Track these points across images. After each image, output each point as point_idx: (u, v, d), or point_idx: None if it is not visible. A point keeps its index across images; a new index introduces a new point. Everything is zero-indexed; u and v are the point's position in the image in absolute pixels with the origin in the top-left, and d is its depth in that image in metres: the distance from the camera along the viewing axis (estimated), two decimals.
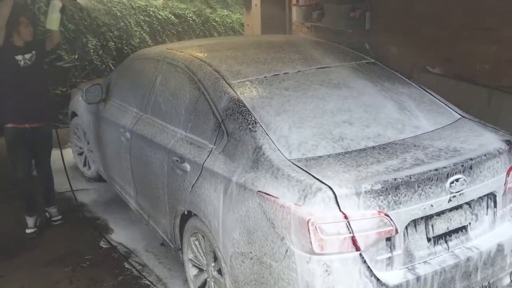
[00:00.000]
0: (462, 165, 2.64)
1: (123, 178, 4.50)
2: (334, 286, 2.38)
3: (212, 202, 2.94)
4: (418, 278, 2.52)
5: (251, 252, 2.66)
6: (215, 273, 3.13)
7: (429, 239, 2.65)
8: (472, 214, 2.79)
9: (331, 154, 2.72)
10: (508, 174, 2.87)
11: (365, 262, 2.42)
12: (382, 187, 2.44)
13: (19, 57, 4.29)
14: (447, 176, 2.59)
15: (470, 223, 2.79)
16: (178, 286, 3.70)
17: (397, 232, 2.49)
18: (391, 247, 2.50)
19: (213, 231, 2.94)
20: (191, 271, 3.43)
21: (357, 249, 2.40)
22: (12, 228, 4.67)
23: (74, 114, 5.95)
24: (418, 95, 3.45)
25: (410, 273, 2.53)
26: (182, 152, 3.33)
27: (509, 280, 3.03)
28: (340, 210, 2.39)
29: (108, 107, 4.79)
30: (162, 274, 3.90)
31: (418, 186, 2.51)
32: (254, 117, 2.94)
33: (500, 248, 2.80)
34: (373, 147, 2.81)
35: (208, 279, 3.25)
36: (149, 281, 3.80)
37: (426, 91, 3.55)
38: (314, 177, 2.50)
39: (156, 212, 3.86)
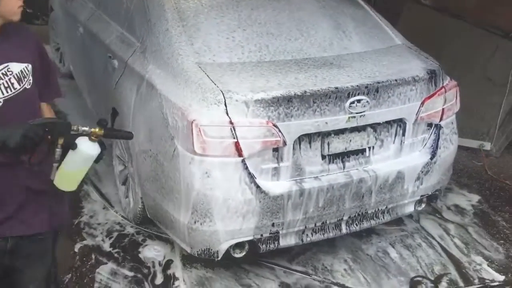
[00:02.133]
0: (367, 87, 2.59)
1: (81, 75, 4.54)
2: (212, 188, 2.45)
3: (127, 100, 2.98)
4: (302, 191, 2.57)
5: (150, 150, 2.73)
6: (131, 170, 3.23)
7: (323, 157, 2.67)
8: (376, 138, 2.78)
9: (243, 62, 2.70)
10: (423, 103, 2.82)
11: (246, 168, 2.47)
12: (274, 98, 2.43)
13: None
14: (348, 96, 2.56)
15: (373, 147, 2.79)
16: (111, 181, 3.84)
17: (286, 144, 2.50)
18: (278, 158, 2.53)
19: (127, 128, 3.00)
20: (118, 168, 3.54)
21: (240, 155, 2.44)
22: None
23: (52, 9, 5.91)
24: (363, 17, 3.33)
25: (296, 185, 2.58)
26: (114, 48, 3.33)
27: (412, 209, 3.08)
28: (228, 115, 2.40)
29: (74, 1, 4.74)
30: (100, 170, 4.03)
31: (314, 102, 2.50)
32: (177, 18, 2.89)
33: (400, 176, 2.82)
34: (289, 60, 2.77)
35: (128, 175, 3.36)
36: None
37: (375, 14, 3.42)
38: (212, 81, 2.50)
39: (99, 110, 3.93)
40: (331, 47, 2.94)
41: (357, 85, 2.57)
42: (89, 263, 3.03)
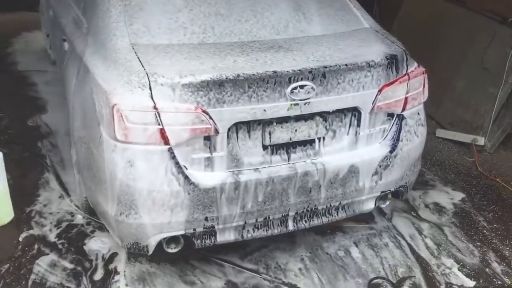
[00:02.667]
0: (311, 72, 2.37)
1: (57, 60, 4.45)
2: (135, 179, 2.27)
3: (69, 85, 2.84)
4: (237, 184, 2.37)
5: (85, 137, 2.57)
6: None
7: (265, 147, 2.46)
8: (327, 128, 2.56)
9: (182, 44, 2.51)
10: (380, 91, 2.57)
11: (174, 158, 2.28)
12: (203, 82, 2.23)
13: None
14: (290, 81, 2.34)
15: (323, 138, 2.56)
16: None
17: (218, 133, 2.31)
18: (211, 148, 2.34)
19: (69, 114, 2.86)
20: (74, 157, 3.40)
21: (166, 143, 2.26)
22: None
23: None
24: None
25: (232, 178, 2.38)
26: (67, 31, 3.19)
27: (373, 205, 2.84)
28: (152, 100, 2.22)
29: None
30: (66, 156, 3.91)
31: (249, 87, 2.29)
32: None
33: (353, 170, 2.59)
34: (234, 43, 2.56)
35: None
36: (50, 161, 3.84)
37: None
38: (140, 63, 2.32)
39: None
40: (285, 29, 2.72)
41: (300, 70, 2.35)
42: (30, 254, 2.90)
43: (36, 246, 2.96)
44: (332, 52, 2.54)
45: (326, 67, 2.40)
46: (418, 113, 2.79)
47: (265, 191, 2.43)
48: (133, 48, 2.43)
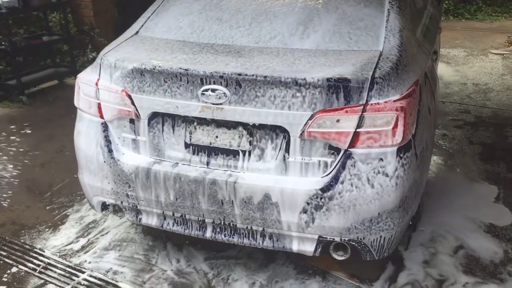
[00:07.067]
0: (222, 77, 2.27)
1: None
2: (79, 143, 2.70)
3: None
4: (148, 172, 2.49)
5: None
6: None
7: (187, 145, 2.49)
8: (251, 143, 2.38)
9: (166, 39, 2.76)
10: (313, 116, 2.22)
11: (105, 131, 2.58)
12: (130, 70, 2.46)
13: None
14: (202, 83, 2.32)
15: (249, 153, 2.39)
16: None
17: (139, 117, 2.49)
18: (135, 131, 2.54)
19: None
20: None
21: (101, 117, 2.59)
22: None
23: None
24: (363, 17, 2.65)
25: (146, 164, 2.51)
26: None
27: (311, 249, 2.44)
28: (99, 77, 2.59)
29: None
30: None
31: (165, 81, 2.39)
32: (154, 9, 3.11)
33: (268, 196, 2.33)
34: (204, 43, 2.66)
35: None
36: None
37: (388, 17, 2.66)
38: (112, 47, 2.71)
39: None
40: (269, 40, 2.60)
41: (211, 72, 2.29)
42: None
43: None
44: (275, 65, 2.33)
45: (240, 75, 2.25)
46: (381, 159, 2.24)
47: (174, 187, 2.46)
48: (129, 37, 2.83)
